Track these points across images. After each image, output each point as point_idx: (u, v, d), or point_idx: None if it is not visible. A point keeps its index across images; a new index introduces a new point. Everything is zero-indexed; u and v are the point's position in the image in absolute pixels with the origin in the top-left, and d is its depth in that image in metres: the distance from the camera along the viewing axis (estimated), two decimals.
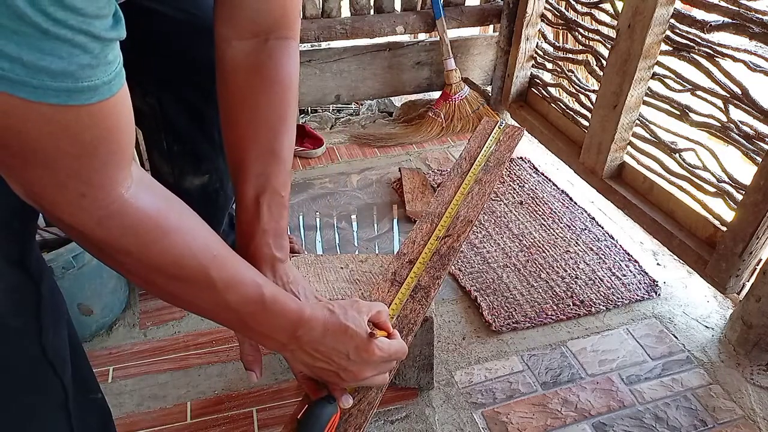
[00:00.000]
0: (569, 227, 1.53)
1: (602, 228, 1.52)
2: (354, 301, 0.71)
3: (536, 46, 1.87)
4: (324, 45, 2.05)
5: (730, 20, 1.17)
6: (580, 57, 1.68)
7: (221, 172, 1.11)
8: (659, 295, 1.32)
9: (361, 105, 2.21)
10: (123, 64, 0.44)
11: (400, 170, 1.73)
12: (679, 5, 1.30)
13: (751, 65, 1.15)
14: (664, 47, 1.35)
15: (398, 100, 2.19)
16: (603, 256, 1.42)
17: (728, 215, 1.23)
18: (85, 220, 0.47)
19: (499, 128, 1.22)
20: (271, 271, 0.71)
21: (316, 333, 0.65)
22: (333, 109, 2.15)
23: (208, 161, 1.10)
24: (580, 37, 1.66)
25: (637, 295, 1.31)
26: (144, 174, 0.53)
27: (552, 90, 1.85)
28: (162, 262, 0.54)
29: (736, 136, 1.21)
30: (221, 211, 1.20)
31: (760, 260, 1.19)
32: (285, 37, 0.72)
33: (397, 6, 1.92)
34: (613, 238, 1.48)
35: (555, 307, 1.28)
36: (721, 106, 1.24)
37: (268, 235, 0.71)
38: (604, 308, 1.28)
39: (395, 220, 1.57)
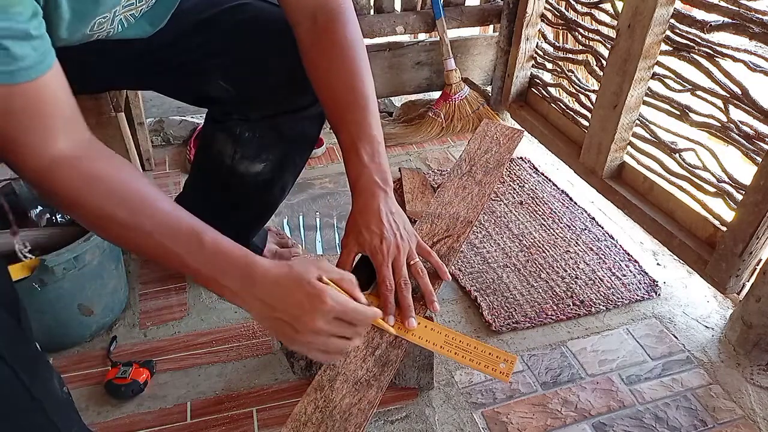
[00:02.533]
0: (569, 227, 1.53)
1: (602, 228, 1.52)
2: (319, 259, 0.73)
3: (536, 46, 1.87)
4: None
5: (730, 20, 1.17)
6: (580, 57, 1.68)
7: (278, 164, 1.13)
8: (659, 295, 1.32)
9: None
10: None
11: (400, 170, 1.73)
12: (679, 5, 1.30)
13: (751, 65, 1.15)
14: (664, 47, 1.35)
15: (398, 100, 2.19)
16: (603, 256, 1.42)
17: (728, 215, 1.23)
18: (26, 172, 0.63)
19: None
20: (383, 201, 0.82)
21: (268, 281, 0.67)
22: None
23: (271, 152, 1.11)
24: (580, 37, 1.66)
25: (637, 295, 1.31)
26: (89, 138, 0.66)
27: (552, 90, 1.85)
28: (100, 211, 0.65)
29: (736, 136, 1.21)
30: (270, 202, 1.23)
31: (760, 260, 1.19)
32: (330, 9, 0.85)
33: (397, 6, 1.92)
34: (613, 238, 1.48)
35: (555, 307, 1.28)
36: (721, 106, 1.24)
37: (371, 172, 0.82)
38: (604, 308, 1.28)
39: None
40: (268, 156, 1.11)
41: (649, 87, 1.42)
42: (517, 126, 2.00)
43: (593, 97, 1.59)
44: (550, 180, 1.73)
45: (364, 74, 0.85)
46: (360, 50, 0.86)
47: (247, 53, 0.99)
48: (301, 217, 1.58)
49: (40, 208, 1.15)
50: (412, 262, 0.83)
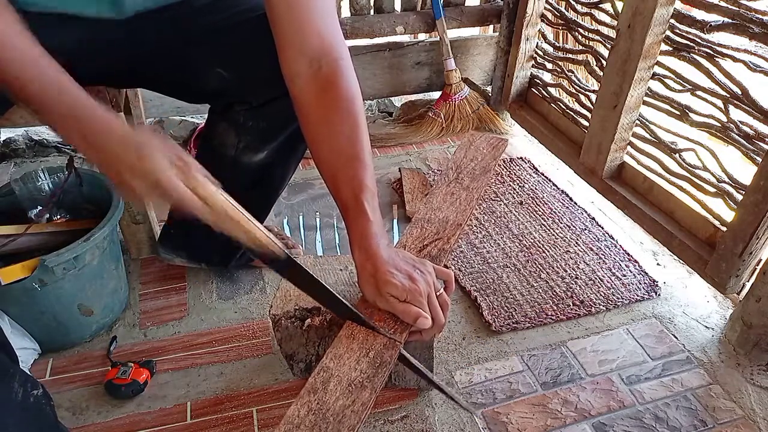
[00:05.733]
0: (569, 227, 1.53)
1: (602, 228, 1.52)
2: (166, 138, 0.72)
3: (536, 46, 1.87)
4: None
5: (730, 20, 1.17)
6: (580, 57, 1.68)
7: (280, 151, 1.14)
8: (659, 295, 1.32)
9: None
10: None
11: (400, 170, 1.73)
12: (679, 5, 1.30)
13: (751, 65, 1.15)
14: (664, 47, 1.35)
15: (398, 100, 2.19)
16: (603, 257, 1.42)
17: (728, 215, 1.23)
18: None
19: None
20: (387, 252, 0.81)
21: (114, 138, 0.68)
22: None
23: (274, 140, 1.11)
24: (580, 37, 1.66)
25: (637, 295, 1.31)
26: None
27: (552, 90, 1.85)
28: None
29: (736, 136, 1.21)
30: (273, 189, 1.23)
31: (760, 260, 1.19)
32: (334, 59, 0.84)
33: (397, 6, 1.92)
34: (613, 238, 1.48)
35: (555, 308, 1.28)
36: (721, 106, 1.24)
37: (375, 226, 0.81)
38: (604, 308, 1.28)
39: (395, 221, 1.57)
40: (271, 145, 1.11)
41: (649, 87, 1.42)
42: (517, 126, 2.00)
43: (593, 97, 1.59)
44: (550, 180, 1.73)
45: (363, 130, 0.85)
46: (360, 105, 0.85)
47: (243, 37, 1.00)
48: (301, 217, 1.58)
49: (39, 207, 1.15)
50: (438, 294, 0.83)
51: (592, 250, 1.45)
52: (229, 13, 1.02)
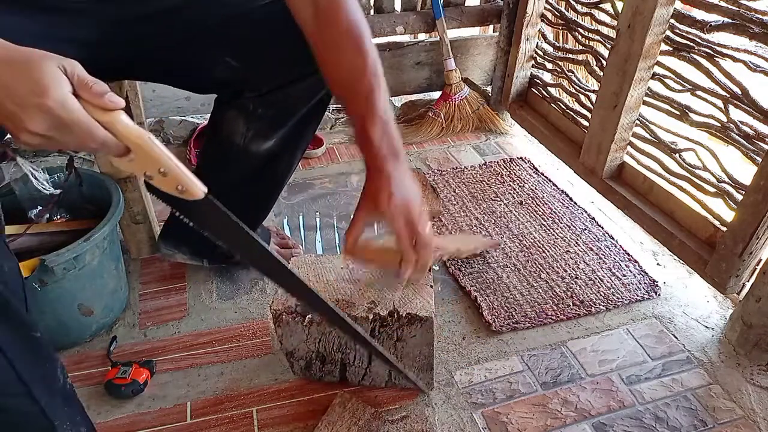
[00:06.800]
0: (569, 227, 1.53)
1: (602, 228, 1.52)
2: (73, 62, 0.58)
3: (536, 46, 1.87)
4: None
5: (730, 20, 1.17)
6: (580, 57, 1.68)
7: (287, 138, 1.14)
8: (659, 295, 1.32)
9: None
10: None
11: None
12: (679, 5, 1.30)
13: (751, 65, 1.15)
14: (664, 47, 1.35)
15: (398, 100, 2.19)
16: (603, 257, 1.42)
17: (728, 215, 1.23)
18: None
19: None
20: (395, 169, 0.85)
21: None
22: (333, 109, 2.14)
23: (284, 126, 1.12)
24: (580, 37, 1.66)
25: (637, 295, 1.31)
26: None
27: (552, 90, 1.85)
28: None
29: (736, 136, 1.21)
30: (278, 181, 1.23)
31: (760, 260, 1.19)
32: None
33: (397, 6, 1.92)
34: (613, 238, 1.48)
35: (555, 308, 1.28)
36: (721, 106, 1.24)
37: (382, 148, 0.84)
38: (604, 308, 1.28)
39: None
40: (280, 131, 1.12)
41: (649, 87, 1.42)
42: (517, 126, 2.00)
43: (593, 97, 1.59)
44: (550, 180, 1.73)
45: (370, 52, 0.85)
46: (364, 29, 0.85)
47: (252, 26, 1.00)
48: (301, 217, 1.58)
49: (39, 207, 1.15)
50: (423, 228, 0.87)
51: (592, 250, 1.45)
52: (237, 2, 1.01)
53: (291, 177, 1.26)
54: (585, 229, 1.52)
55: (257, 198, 1.24)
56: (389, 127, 0.85)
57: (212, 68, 1.04)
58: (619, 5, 1.44)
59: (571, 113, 1.73)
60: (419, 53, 2.00)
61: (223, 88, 1.11)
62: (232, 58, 1.01)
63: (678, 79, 1.33)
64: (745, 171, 1.20)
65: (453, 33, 1.99)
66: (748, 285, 1.19)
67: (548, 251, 1.44)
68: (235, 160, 1.14)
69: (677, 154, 1.37)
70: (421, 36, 2.20)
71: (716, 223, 1.28)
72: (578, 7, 1.65)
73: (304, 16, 0.86)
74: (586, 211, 1.59)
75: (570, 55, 1.74)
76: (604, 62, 1.52)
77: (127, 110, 1.26)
